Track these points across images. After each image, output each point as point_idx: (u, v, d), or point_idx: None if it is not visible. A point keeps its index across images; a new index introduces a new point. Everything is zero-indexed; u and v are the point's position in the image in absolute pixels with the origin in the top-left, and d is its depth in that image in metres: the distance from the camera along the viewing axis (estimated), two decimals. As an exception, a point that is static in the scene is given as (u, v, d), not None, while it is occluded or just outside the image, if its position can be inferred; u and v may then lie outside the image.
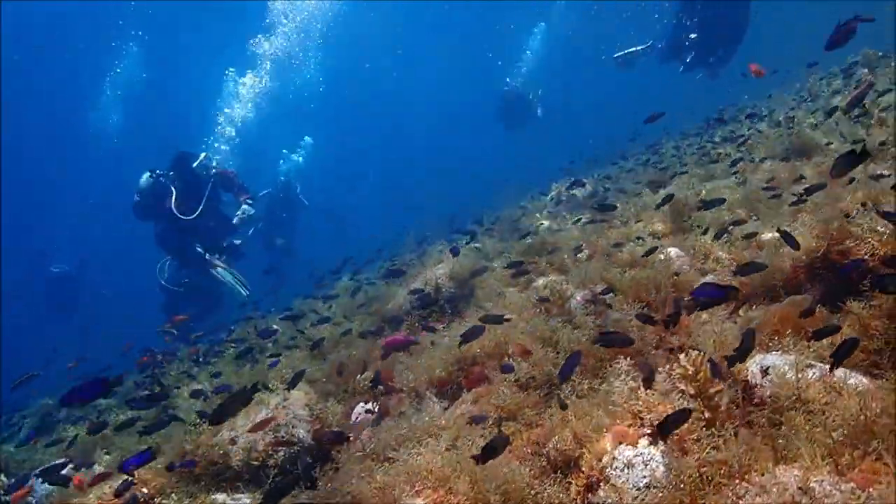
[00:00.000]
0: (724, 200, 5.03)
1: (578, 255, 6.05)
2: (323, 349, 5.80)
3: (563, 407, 2.61)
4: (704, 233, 5.03)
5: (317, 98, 30.83)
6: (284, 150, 27.77)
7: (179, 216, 9.35)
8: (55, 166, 33.60)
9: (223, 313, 11.18)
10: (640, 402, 2.50)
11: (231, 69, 22.03)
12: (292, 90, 28.04)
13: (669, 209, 6.03)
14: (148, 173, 9.68)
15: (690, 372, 2.46)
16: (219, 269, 10.03)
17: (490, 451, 2.45)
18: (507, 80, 18.77)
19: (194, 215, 9.45)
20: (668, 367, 2.66)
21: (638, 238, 5.76)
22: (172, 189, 9.47)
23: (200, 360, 7.99)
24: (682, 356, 2.52)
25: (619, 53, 13.68)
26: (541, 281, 5.66)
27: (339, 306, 7.41)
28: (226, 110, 20.63)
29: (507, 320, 3.69)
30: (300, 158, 26.01)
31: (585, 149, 15.64)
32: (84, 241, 27.97)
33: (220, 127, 19.15)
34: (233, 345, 8.24)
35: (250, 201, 10.33)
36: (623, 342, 2.49)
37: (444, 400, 3.89)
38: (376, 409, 3.97)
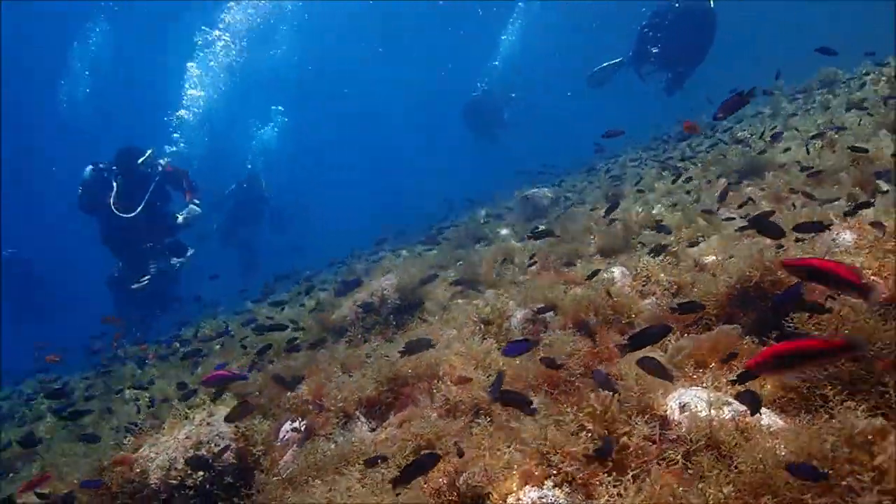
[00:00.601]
0: (671, 232, 5.02)
1: (530, 268, 6.02)
2: (266, 358, 5.68)
3: (460, 455, 2.54)
4: (650, 253, 5.02)
5: (292, 82, 30.37)
6: (253, 121, 27.56)
7: (118, 213, 9.13)
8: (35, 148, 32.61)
9: (177, 312, 10.95)
10: (548, 443, 2.45)
11: (204, 27, 21.63)
12: (265, 64, 27.72)
13: (620, 227, 6.03)
14: (91, 166, 9.42)
15: (599, 411, 2.41)
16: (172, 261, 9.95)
17: (405, 478, 2.43)
18: (479, 84, 18.53)
19: (133, 213, 9.22)
20: (575, 407, 2.61)
21: (589, 256, 5.75)
22: (114, 184, 9.24)
23: (147, 361, 7.80)
24: (591, 394, 2.48)
25: (592, 72, 13.60)
26: (487, 294, 5.62)
27: (290, 311, 7.29)
28: (190, 64, 20.27)
29: (433, 346, 3.61)
30: (272, 129, 25.79)
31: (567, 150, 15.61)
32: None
33: (187, 86, 18.85)
34: (179, 345, 8.08)
35: (197, 201, 10.10)
36: (520, 402, 2.41)
37: (372, 420, 3.81)
38: (303, 428, 3.88)
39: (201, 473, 3.65)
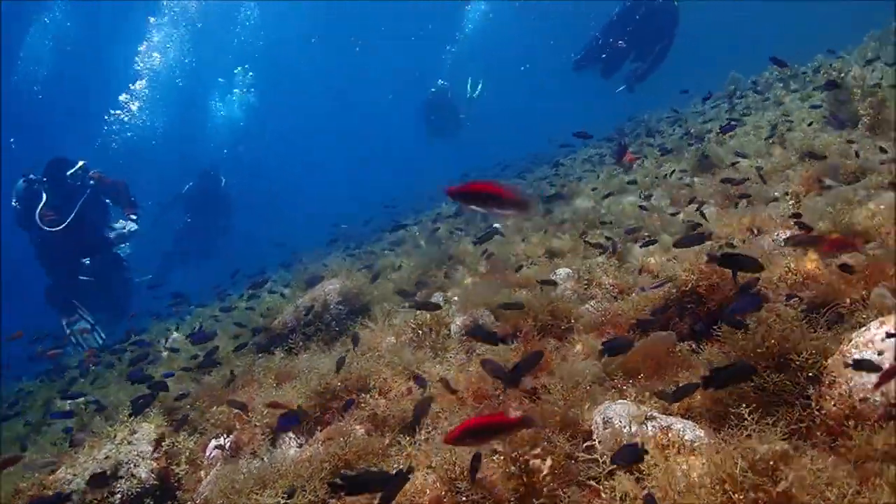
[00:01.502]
0: (614, 250, 4.92)
1: (479, 268, 5.92)
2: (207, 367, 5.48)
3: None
4: (601, 253, 4.95)
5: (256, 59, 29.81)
6: (220, 80, 27.07)
7: (43, 227, 8.78)
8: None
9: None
10: (456, 468, 2.34)
11: None
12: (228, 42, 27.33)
13: (570, 225, 5.96)
14: (22, 178, 9.06)
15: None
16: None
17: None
18: (440, 81, 18.19)
19: (59, 227, 8.85)
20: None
21: (540, 256, 5.64)
22: (44, 196, 8.88)
23: (91, 368, 7.53)
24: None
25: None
26: (434, 298, 5.50)
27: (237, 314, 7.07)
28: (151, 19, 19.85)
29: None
30: (241, 92, 25.32)
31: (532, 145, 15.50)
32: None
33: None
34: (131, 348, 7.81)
35: (135, 217, 9.71)
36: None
37: (301, 435, 3.67)
38: (227, 446, 3.72)
39: (119, 497, 3.47)
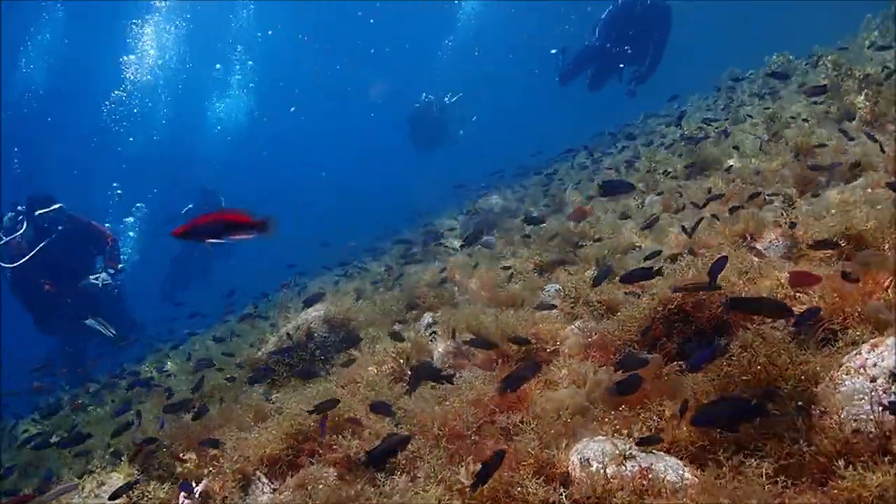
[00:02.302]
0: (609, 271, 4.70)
1: (471, 287, 5.74)
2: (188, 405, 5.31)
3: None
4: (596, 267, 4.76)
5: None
6: (218, 66, 27.27)
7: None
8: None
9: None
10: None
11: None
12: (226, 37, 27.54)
13: (560, 239, 5.77)
14: (11, 211, 8.98)
15: (468, 487, 2.12)
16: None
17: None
18: (424, 95, 18.00)
19: (13, 265, 8.71)
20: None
21: (529, 272, 5.45)
22: (20, 229, 8.79)
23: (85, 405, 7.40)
24: (461, 468, 2.19)
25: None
26: (424, 318, 5.32)
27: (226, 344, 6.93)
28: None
29: (337, 402, 3.34)
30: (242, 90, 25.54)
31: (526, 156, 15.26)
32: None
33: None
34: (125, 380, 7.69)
35: (111, 271, 9.51)
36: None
37: (275, 480, 3.49)
38: (197, 495, 3.55)
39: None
